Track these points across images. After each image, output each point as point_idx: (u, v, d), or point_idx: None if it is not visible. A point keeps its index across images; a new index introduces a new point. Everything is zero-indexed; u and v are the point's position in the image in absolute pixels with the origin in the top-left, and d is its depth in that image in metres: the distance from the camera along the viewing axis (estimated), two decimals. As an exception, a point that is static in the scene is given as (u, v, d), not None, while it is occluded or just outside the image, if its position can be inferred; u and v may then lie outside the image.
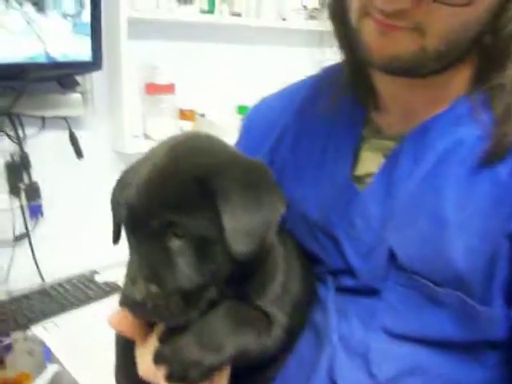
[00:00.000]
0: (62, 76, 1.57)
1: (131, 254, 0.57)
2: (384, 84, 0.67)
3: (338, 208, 0.67)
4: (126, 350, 0.64)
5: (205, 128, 1.85)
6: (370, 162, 0.67)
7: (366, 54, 0.60)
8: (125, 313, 0.58)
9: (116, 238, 0.63)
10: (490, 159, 0.58)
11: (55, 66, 1.46)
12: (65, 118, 1.65)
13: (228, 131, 1.63)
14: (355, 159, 0.69)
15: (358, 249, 0.65)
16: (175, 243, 0.54)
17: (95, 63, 1.53)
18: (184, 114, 1.92)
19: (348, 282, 0.67)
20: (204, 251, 0.54)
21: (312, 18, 2.04)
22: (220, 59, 2.04)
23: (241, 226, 0.53)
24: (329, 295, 0.69)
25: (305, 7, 2.07)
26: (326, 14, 0.69)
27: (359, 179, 0.68)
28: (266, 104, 0.85)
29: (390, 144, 0.66)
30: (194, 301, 0.55)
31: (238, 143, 0.84)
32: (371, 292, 0.65)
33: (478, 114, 0.61)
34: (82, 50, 1.49)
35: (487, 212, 0.58)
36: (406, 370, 0.61)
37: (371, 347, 0.63)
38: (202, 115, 1.94)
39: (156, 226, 0.54)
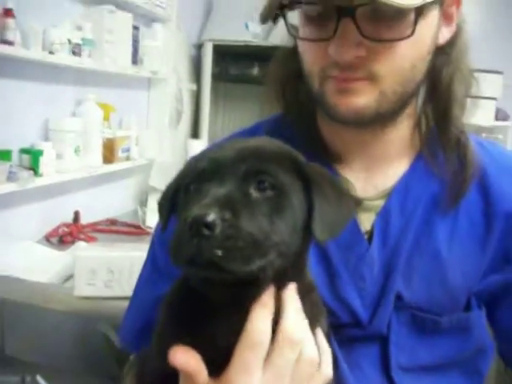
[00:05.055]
0: None
1: (196, 199, 0.52)
2: (347, 137, 0.73)
3: (349, 265, 0.70)
4: None
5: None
6: (366, 221, 0.73)
7: (333, 112, 0.67)
8: (188, 348, 0.52)
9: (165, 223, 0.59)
10: (457, 200, 0.71)
11: None
12: None
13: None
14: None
15: (365, 300, 0.70)
16: (258, 191, 0.52)
17: None
18: None
19: (354, 332, 0.71)
20: (280, 208, 0.53)
21: (75, 54, 1.85)
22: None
23: (328, 217, 0.54)
24: (335, 348, 0.68)
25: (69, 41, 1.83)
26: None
27: None
28: None
29: (379, 202, 0.73)
30: (260, 253, 0.49)
31: None
32: (379, 338, 0.71)
33: (436, 168, 0.73)
34: None
35: (472, 251, 0.72)
36: None
37: None
38: None
39: (243, 170, 0.53)
